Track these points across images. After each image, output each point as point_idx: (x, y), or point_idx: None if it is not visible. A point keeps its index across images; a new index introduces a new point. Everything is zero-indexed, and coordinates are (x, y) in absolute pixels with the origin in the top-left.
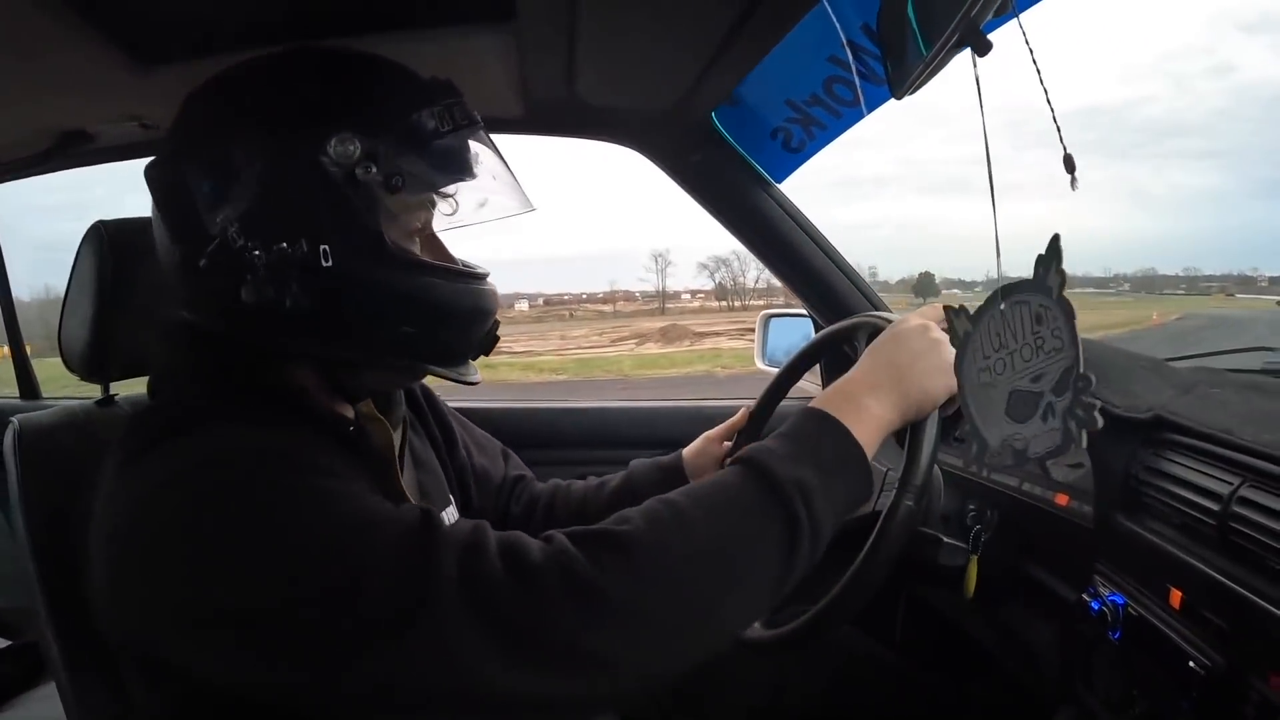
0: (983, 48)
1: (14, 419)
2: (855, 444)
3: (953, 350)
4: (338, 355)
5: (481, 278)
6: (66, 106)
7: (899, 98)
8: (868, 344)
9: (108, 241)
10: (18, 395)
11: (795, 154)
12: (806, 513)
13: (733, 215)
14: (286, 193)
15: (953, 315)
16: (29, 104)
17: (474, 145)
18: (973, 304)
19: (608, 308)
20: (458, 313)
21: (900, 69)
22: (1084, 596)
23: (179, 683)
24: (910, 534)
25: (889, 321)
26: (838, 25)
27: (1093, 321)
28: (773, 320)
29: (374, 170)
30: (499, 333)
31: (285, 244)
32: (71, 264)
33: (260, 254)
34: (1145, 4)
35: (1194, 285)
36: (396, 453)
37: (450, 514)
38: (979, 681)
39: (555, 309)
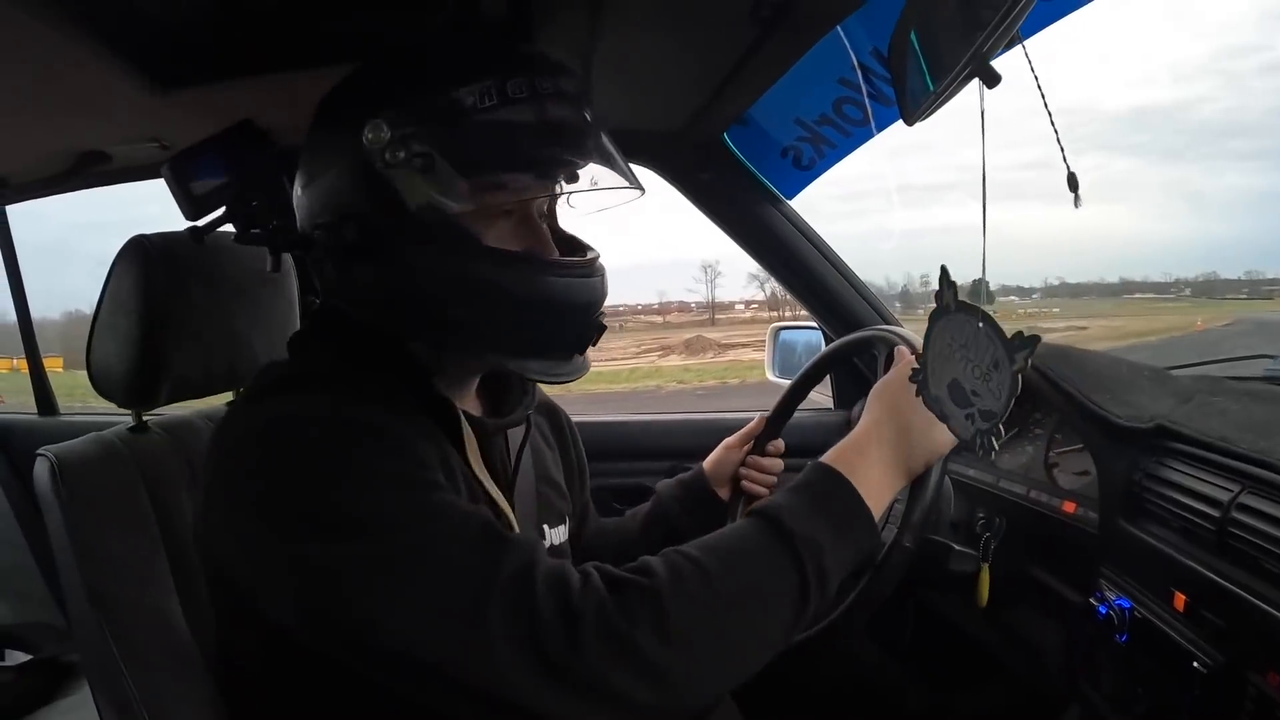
0: (992, 80)
1: (46, 452)
2: (863, 505)
3: None
4: (415, 337)
5: (561, 266)
6: (86, 128)
7: (910, 124)
8: (883, 360)
9: (152, 257)
10: (35, 410)
11: (805, 171)
12: (817, 569)
13: (745, 231)
14: (330, 179)
15: (945, 286)
16: (50, 126)
17: (564, 120)
18: (1027, 310)
19: (659, 319)
20: (513, 300)
21: (911, 98)
22: (1091, 600)
23: (260, 623)
24: (905, 570)
25: (899, 337)
26: (848, 48)
27: (1139, 328)
28: (783, 333)
29: (402, 154)
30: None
31: (329, 227)
32: (104, 281)
33: (319, 235)
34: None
35: (1256, 289)
36: (509, 454)
37: (560, 533)
38: (987, 685)
39: (610, 320)
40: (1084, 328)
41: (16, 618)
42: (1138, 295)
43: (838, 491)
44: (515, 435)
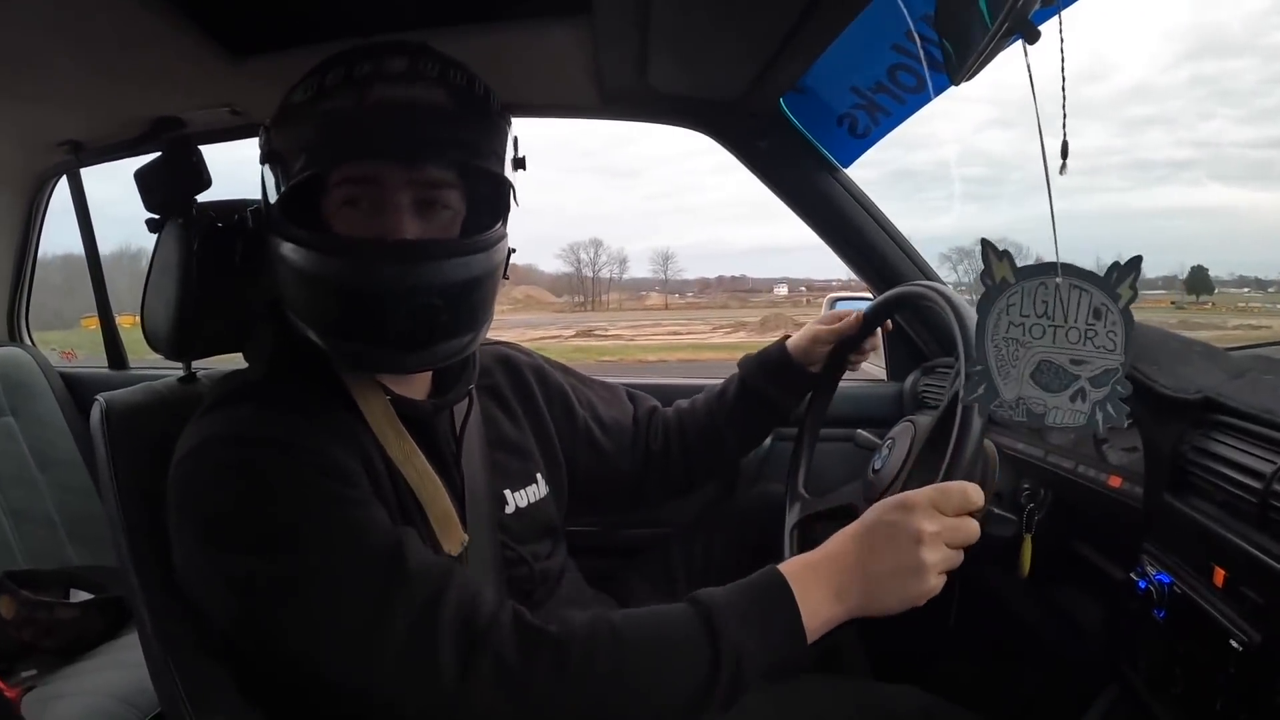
0: (1032, 36)
1: (100, 397)
2: (802, 632)
3: (931, 553)
4: (304, 326)
5: (366, 250)
6: (163, 95)
7: (956, 83)
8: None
9: (195, 224)
10: (106, 365)
11: (861, 139)
12: (733, 676)
13: (800, 199)
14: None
15: (994, 256)
16: (128, 92)
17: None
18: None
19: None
20: (315, 282)
21: (958, 55)
22: (1132, 576)
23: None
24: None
25: (944, 295)
26: (904, 12)
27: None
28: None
29: (265, 150)
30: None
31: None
32: (155, 245)
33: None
34: None
35: None
36: (454, 431)
37: (532, 491)
38: (1025, 661)
39: (816, 295)
40: None
41: (84, 560)
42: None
43: (780, 608)
44: (464, 410)
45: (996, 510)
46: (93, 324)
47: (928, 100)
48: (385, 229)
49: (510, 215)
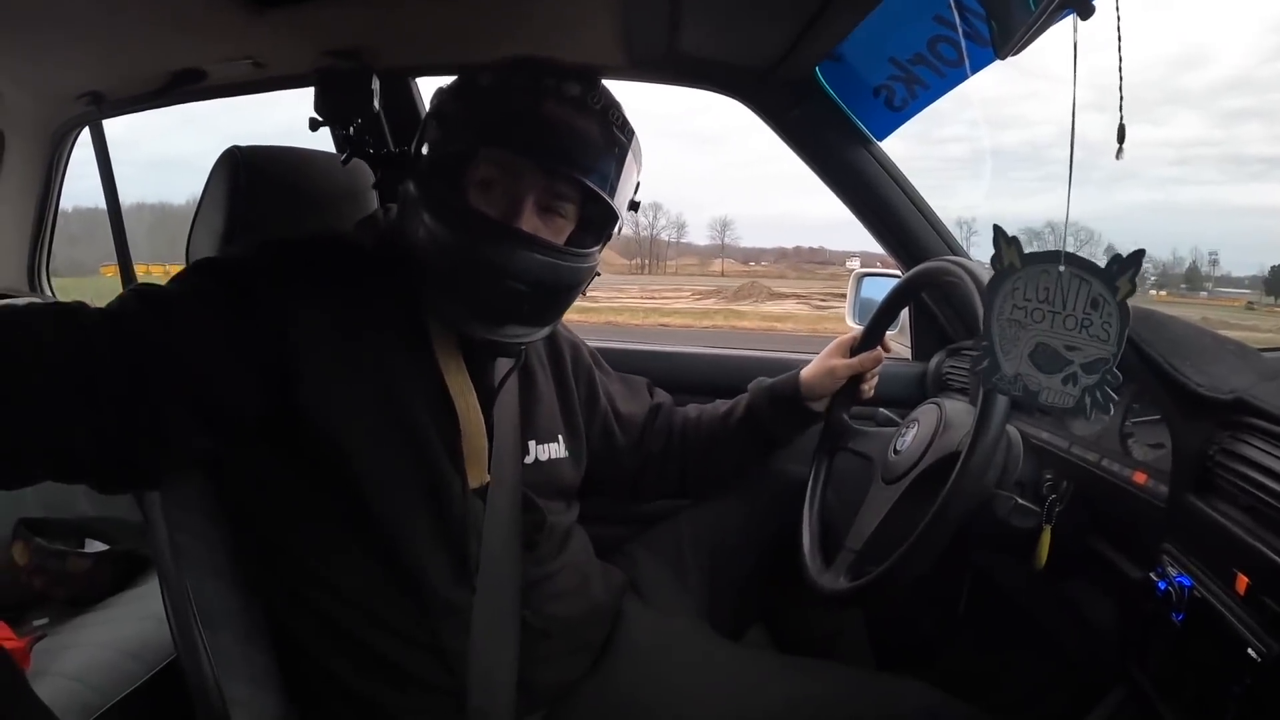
0: (1085, 11)
1: None
2: None
3: None
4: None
5: (476, 224)
6: (184, 46)
7: (1002, 57)
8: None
9: (242, 166)
10: None
11: (897, 112)
12: None
13: (831, 170)
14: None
15: (1003, 242)
16: (149, 44)
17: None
18: None
19: None
20: (428, 238)
21: (1004, 28)
22: (1151, 576)
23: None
24: (964, 520)
25: (968, 270)
26: None
27: None
28: (865, 279)
29: (436, 106)
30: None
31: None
32: (205, 183)
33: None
34: None
35: None
36: (495, 377)
37: (553, 449)
38: (1031, 657)
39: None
40: None
41: (100, 511)
42: None
43: None
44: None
45: (1020, 500)
46: (111, 271)
47: (966, 76)
48: (506, 214)
49: (607, 245)
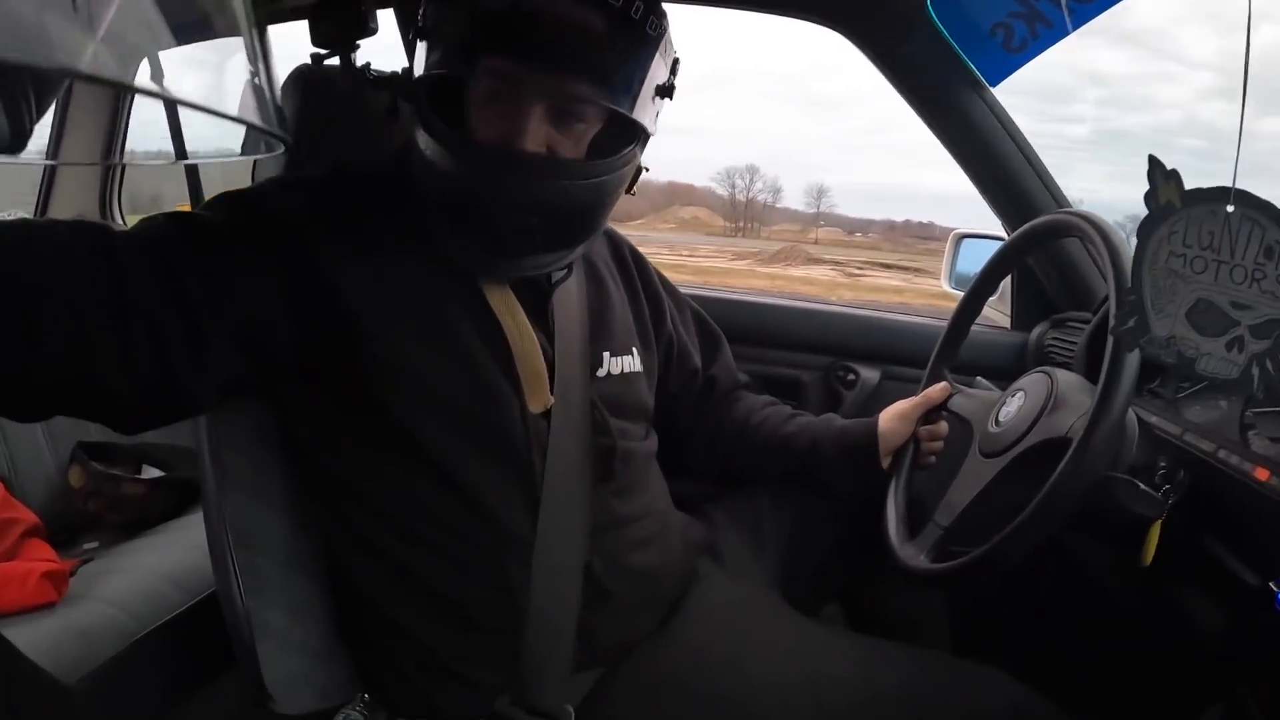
0: None
1: None
2: None
3: None
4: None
5: (478, 150)
6: None
7: None
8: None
9: (310, 85)
10: None
11: (1014, 55)
12: None
13: (938, 113)
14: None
15: (1160, 176)
16: None
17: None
18: None
19: None
20: (427, 166)
21: None
22: (1270, 585)
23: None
24: (1088, 485)
25: (1090, 220)
26: None
27: None
28: (964, 241)
29: (422, 21)
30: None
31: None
32: None
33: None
34: None
35: None
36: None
37: (626, 362)
38: (1123, 660)
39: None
40: None
41: (157, 438)
42: None
43: None
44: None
45: (1142, 485)
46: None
47: (1095, 14)
48: (513, 132)
49: (646, 140)
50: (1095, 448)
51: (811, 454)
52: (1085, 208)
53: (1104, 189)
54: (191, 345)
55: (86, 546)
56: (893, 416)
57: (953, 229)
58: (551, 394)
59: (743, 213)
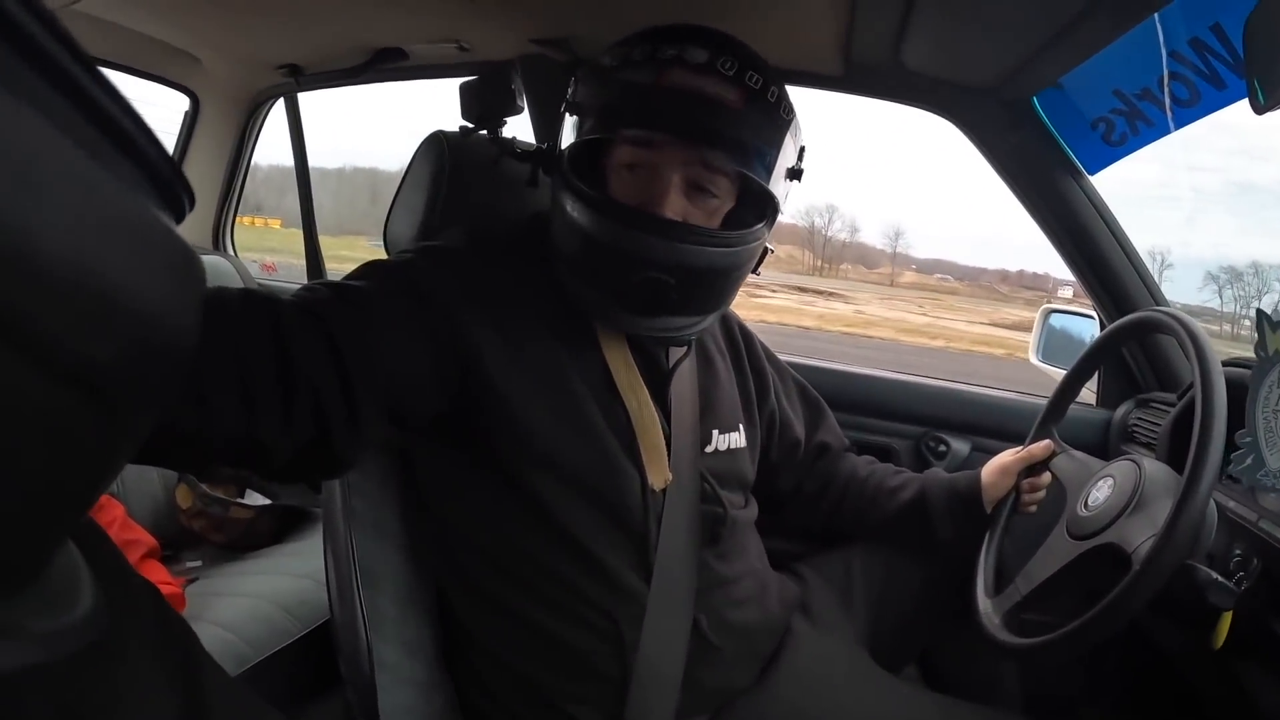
0: None
1: None
2: None
3: None
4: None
5: (615, 212)
6: (389, 23)
7: (1260, 113)
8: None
9: (447, 149)
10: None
11: (1114, 148)
12: None
13: (1038, 200)
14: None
15: (1268, 326)
16: (356, 20)
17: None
18: None
19: None
20: (567, 225)
21: (1268, 82)
22: None
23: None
24: (1170, 575)
25: (1172, 316)
26: (1187, 20)
27: None
28: (1054, 315)
29: (569, 99)
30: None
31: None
32: (407, 165)
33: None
34: None
35: None
36: (667, 363)
37: (733, 439)
38: None
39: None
40: None
41: None
42: None
43: None
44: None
45: (1218, 577)
46: (249, 221)
47: (1196, 118)
48: (651, 200)
49: (774, 219)
50: (1180, 535)
51: (919, 501)
52: (1216, 265)
53: (1237, 242)
54: (349, 411)
55: (190, 565)
56: (996, 470)
57: (1064, 279)
58: (669, 469)
59: (818, 250)
